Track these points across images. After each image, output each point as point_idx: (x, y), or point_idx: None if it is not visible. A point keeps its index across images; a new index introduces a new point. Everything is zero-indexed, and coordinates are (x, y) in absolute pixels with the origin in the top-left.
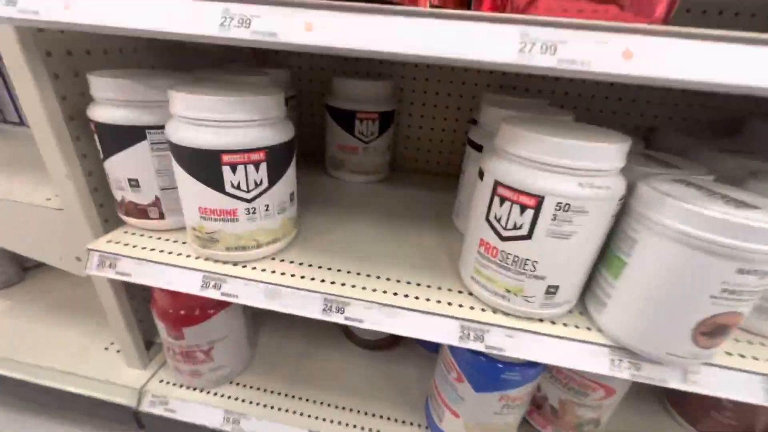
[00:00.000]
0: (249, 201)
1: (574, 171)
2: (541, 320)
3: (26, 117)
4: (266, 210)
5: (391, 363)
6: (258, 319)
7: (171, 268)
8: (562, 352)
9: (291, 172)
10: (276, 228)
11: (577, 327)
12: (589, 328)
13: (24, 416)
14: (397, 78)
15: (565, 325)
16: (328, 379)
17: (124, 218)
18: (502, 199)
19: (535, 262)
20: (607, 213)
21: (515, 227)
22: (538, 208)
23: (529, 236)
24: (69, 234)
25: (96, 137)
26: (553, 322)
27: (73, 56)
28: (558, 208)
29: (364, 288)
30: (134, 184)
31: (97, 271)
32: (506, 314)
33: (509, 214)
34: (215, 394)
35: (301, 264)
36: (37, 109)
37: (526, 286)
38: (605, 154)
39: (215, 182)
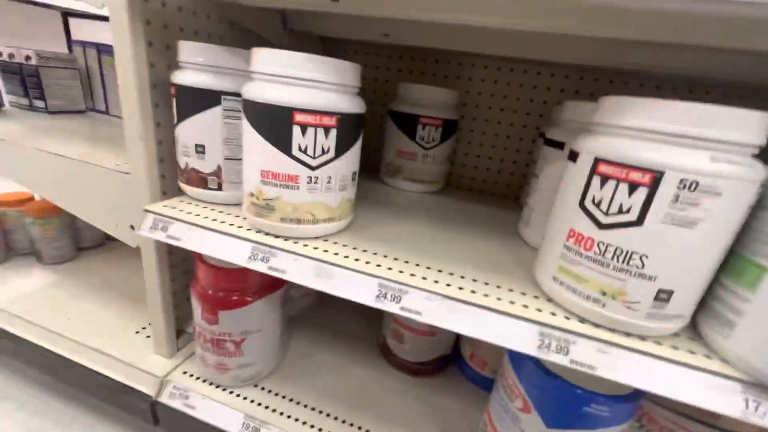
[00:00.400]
0: (313, 168)
1: (705, 142)
2: (642, 338)
3: (118, 76)
4: (328, 182)
5: (432, 392)
6: (290, 323)
7: (221, 235)
8: (677, 380)
9: (356, 150)
10: (334, 206)
11: (691, 352)
12: (708, 356)
13: (40, 393)
14: (462, 92)
15: (674, 348)
16: (361, 399)
17: (184, 186)
18: (604, 179)
19: (644, 256)
20: (745, 199)
21: (620, 211)
22: (653, 187)
23: (639, 222)
24: (130, 199)
25: (174, 102)
26: (658, 343)
27: (167, 29)
28: (682, 186)
29: (424, 278)
30: (200, 150)
31: (149, 233)
32: (596, 325)
33: (613, 195)
34: (238, 395)
35: (355, 248)
36: (129, 71)
37: (630, 288)
38: (747, 123)
39: (283, 142)
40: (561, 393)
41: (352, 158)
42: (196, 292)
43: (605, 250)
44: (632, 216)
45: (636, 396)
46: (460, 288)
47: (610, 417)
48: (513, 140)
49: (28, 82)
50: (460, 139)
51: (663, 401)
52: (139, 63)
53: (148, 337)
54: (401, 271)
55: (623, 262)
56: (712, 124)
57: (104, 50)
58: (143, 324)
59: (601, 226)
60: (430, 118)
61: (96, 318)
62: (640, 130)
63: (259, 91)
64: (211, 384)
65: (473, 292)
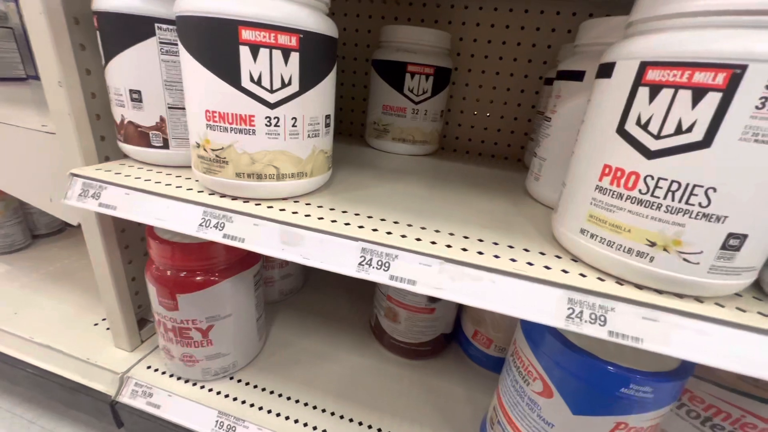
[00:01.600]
0: (272, 106)
1: None
2: (699, 300)
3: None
4: (293, 125)
5: (432, 375)
6: (268, 308)
7: (165, 199)
8: (749, 352)
9: (328, 85)
10: (304, 157)
11: (763, 315)
12: None
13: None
14: (455, 40)
15: (741, 310)
16: (351, 387)
17: (123, 146)
18: (655, 89)
19: (712, 189)
20: None
21: (679, 130)
22: (730, 89)
23: (706, 143)
24: (61, 166)
25: (98, 36)
26: (719, 305)
27: None
28: None
29: (418, 239)
30: (136, 97)
31: (77, 202)
32: (639, 287)
33: (668, 110)
34: (210, 390)
35: (332, 209)
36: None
37: (689, 234)
38: None
39: (229, 70)
40: (591, 372)
41: (323, 95)
42: (151, 273)
43: (655, 187)
44: (697, 135)
45: (683, 372)
46: (464, 249)
47: (652, 399)
48: (514, 93)
49: None
50: (454, 94)
51: (708, 375)
52: None
53: (108, 329)
54: (389, 233)
55: (681, 200)
56: None
57: None
58: (103, 315)
59: (651, 154)
60: (420, 65)
61: (49, 311)
62: (708, 13)
63: (195, 2)
64: (179, 379)
65: (480, 253)
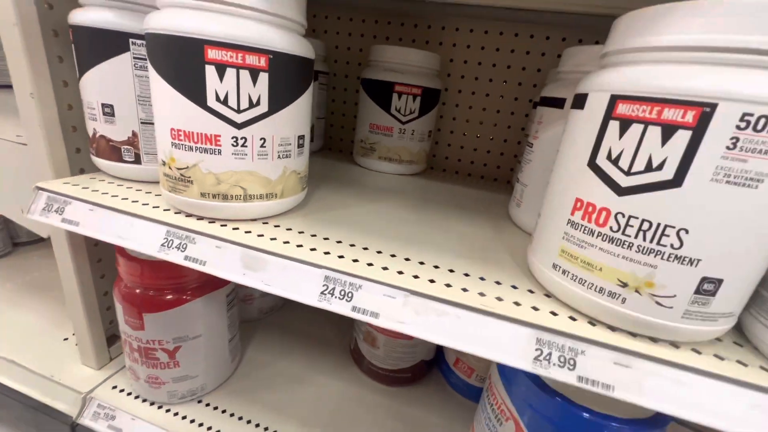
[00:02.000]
0: (238, 127)
1: None
2: (675, 345)
3: None
4: (261, 146)
5: (411, 404)
6: (246, 327)
7: (129, 217)
8: (727, 405)
9: (302, 105)
10: (273, 179)
11: (742, 364)
12: (766, 369)
13: None
14: (445, 61)
15: (719, 358)
16: (326, 414)
17: (95, 160)
18: (626, 123)
19: (683, 230)
20: None
21: (649, 168)
22: (700, 128)
23: (676, 182)
24: (33, 178)
25: (73, 49)
26: (696, 351)
27: None
28: (744, 124)
29: (385, 268)
30: (108, 111)
31: (39, 216)
32: (612, 328)
33: (638, 146)
34: (176, 414)
35: (301, 233)
36: (8, 8)
37: (661, 276)
38: None
39: (194, 89)
40: (563, 416)
41: (295, 116)
42: (119, 291)
43: (626, 225)
44: (667, 173)
45: (662, 419)
46: (431, 281)
47: None
48: (504, 115)
49: None
50: (444, 114)
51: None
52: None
53: (77, 344)
54: (355, 260)
55: (653, 240)
56: None
57: None
58: (74, 330)
59: (621, 190)
60: (407, 86)
61: (18, 323)
62: (678, 48)
63: (161, 21)
64: (144, 401)
65: (448, 285)
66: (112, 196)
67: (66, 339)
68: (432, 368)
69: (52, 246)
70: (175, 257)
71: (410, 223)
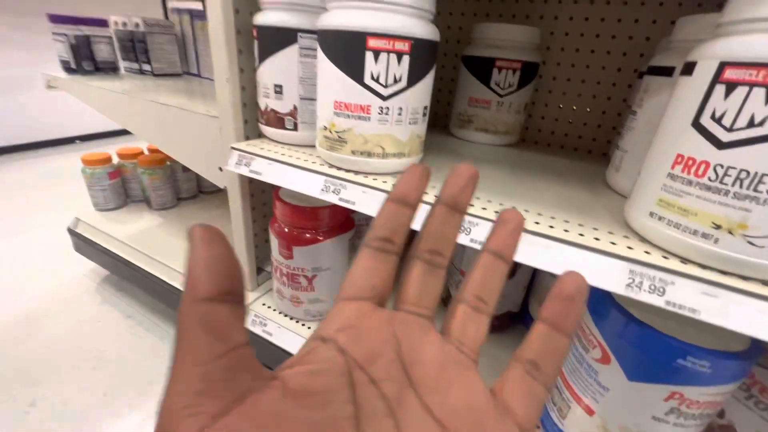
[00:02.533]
0: (385, 98)
1: None
2: (765, 283)
3: (209, 22)
4: (399, 114)
5: (499, 348)
6: None
7: (297, 170)
8: None
9: (428, 82)
10: (404, 140)
11: None
12: None
13: (150, 312)
14: (546, 34)
15: None
16: None
17: (263, 128)
18: (731, 86)
19: None
20: None
21: (751, 124)
22: None
23: None
24: (218, 143)
25: (256, 44)
26: None
27: None
28: None
29: (497, 212)
30: (278, 90)
31: (235, 168)
32: (703, 266)
33: (742, 106)
34: (309, 327)
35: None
36: (217, 16)
37: (755, 218)
38: None
39: (356, 70)
40: (649, 342)
41: (423, 90)
42: (274, 229)
43: (724, 175)
44: (767, 129)
45: (745, 355)
46: (536, 223)
47: (709, 375)
48: (604, 86)
49: (138, 47)
50: (540, 87)
51: None
52: (226, 9)
53: None
54: (470, 204)
55: (749, 187)
56: None
57: (197, 15)
58: None
59: (722, 145)
60: (508, 61)
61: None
62: None
63: (332, 19)
64: (285, 316)
65: (551, 227)
66: (281, 154)
67: None
68: (516, 321)
69: (204, 202)
70: (331, 198)
71: (511, 183)
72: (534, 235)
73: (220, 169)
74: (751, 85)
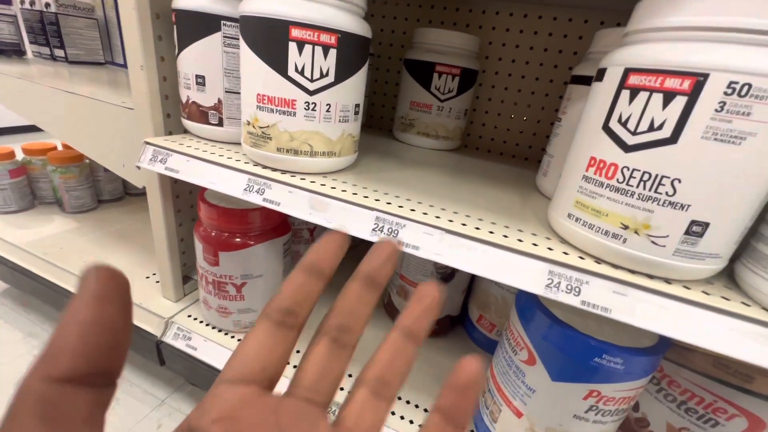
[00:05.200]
0: (311, 93)
1: (762, 36)
2: (668, 281)
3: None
4: (327, 111)
5: (438, 352)
6: None
7: (218, 167)
8: (705, 326)
9: (359, 78)
10: (334, 139)
11: (725, 299)
12: (747, 304)
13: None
14: (484, 44)
15: (705, 293)
16: (361, 357)
17: (186, 123)
18: (634, 92)
19: (677, 180)
20: None
21: (651, 128)
22: (694, 94)
23: (672, 139)
24: (134, 137)
25: (175, 30)
26: (686, 287)
27: None
28: (730, 90)
29: (425, 214)
30: (200, 81)
31: (148, 165)
32: (615, 266)
33: (644, 110)
34: (239, 340)
35: (355, 185)
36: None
37: (657, 219)
38: None
39: (279, 62)
40: (569, 342)
41: (354, 87)
42: (199, 233)
43: (630, 176)
44: (665, 132)
45: (655, 350)
46: (463, 224)
47: (624, 369)
48: (538, 97)
49: (49, 30)
50: (480, 95)
51: (686, 362)
52: None
53: (157, 282)
54: (400, 206)
55: (651, 189)
56: None
57: None
58: (153, 271)
59: (628, 148)
60: (448, 66)
61: (109, 262)
62: (680, 28)
63: (254, 5)
64: (213, 328)
65: (477, 229)
66: (203, 151)
67: (147, 277)
68: (457, 323)
69: (128, 205)
70: (255, 199)
71: (446, 186)
72: (457, 236)
73: (139, 167)
74: (651, 90)
